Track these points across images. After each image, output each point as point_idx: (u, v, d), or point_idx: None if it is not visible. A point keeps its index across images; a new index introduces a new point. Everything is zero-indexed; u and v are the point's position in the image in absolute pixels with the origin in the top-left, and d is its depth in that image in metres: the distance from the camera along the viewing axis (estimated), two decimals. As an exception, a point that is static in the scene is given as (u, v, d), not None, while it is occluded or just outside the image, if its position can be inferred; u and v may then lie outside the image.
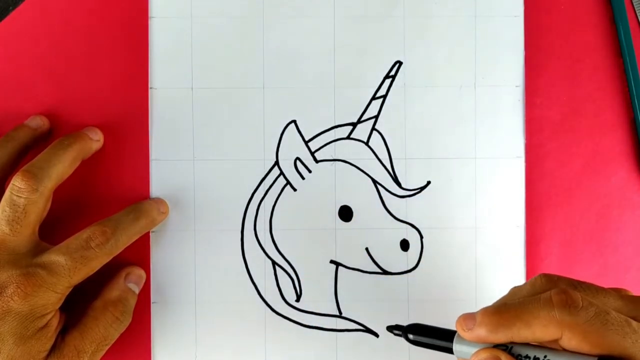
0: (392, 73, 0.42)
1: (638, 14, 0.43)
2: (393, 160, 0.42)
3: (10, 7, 0.42)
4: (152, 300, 0.42)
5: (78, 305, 0.38)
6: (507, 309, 0.29)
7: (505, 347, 0.30)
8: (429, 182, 0.43)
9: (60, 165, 0.38)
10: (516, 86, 0.43)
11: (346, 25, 0.42)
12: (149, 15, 0.42)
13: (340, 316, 0.42)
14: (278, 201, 0.42)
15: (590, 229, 0.43)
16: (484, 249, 0.43)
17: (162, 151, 0.42)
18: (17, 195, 0.36)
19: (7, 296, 0.34)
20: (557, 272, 0.42)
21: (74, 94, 0.42)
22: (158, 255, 0.42)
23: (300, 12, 0.42)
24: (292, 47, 0.42)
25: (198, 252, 0.42)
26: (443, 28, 0.43)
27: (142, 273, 0.41)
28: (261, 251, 0.42)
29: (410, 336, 0.34)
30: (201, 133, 0.42)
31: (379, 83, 0.42)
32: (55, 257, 0.35)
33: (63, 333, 0.37)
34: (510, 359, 0.29)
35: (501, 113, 0.43)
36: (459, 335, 0.32)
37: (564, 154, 0.43)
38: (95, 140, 0.41)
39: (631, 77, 0.43)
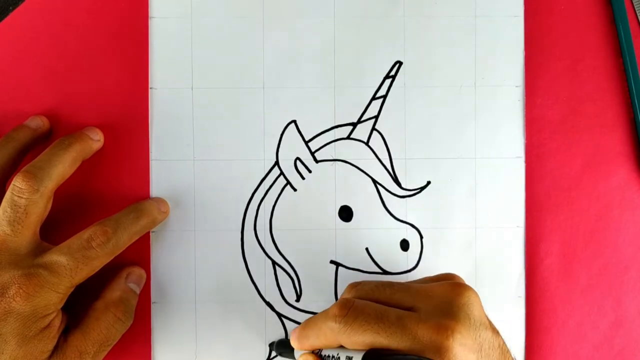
0: (392, 73, 0.42)
1: (638, 14, 0.43)
2: (393, 160, 0.42)
3: (11, 7, 0.42)
4: (152, 300, 0.42)
5: (80, 306, 0.38)
6: (307, 323, 0.35)
7: (319, 351, 0.35)
8: (429, 182, 0.43)
9: (61, 166, 0.38)
10: (516, 86, 0.43)
11: (346, 25, 0.42)
12: (149, 15, 0.42)
13: (340, 316, 0.42)
14: (278, 201, 0.42)
15: (590, 229, 0.43)
16: (484, 249, 0.43)
17: (162, 151, 0.42)
18: (18, 196, 0.36)
19: (9, 297, 0.34)
20: (557, 273, 0.43)
21: (74, 94, 0.42)
22: (158, 255, 0.42)
23: (300, 12, 0.42)
24: (292, 47, 0.42)
25: (198, 252, 0.42)
26: (443, 28, 0.43)
27: (143, 273, 0.41)
28: (261, 251, 0.42)
29: (273, 352, 0.42)
30: (201, 133, 0.42)
31: (379, 83, 0.42)
32: (57, 257, 0.35)
33: (65, 334, 0.37)
34: (314, 357, 0.34)
35: (501, 113, 0.43)
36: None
37: (564, 154, 0.43)
38: (96, 140, 0.41)
39: (631, 77, 0.43)
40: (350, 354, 0.32)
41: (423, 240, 0.43)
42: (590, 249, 0.43)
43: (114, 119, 0.42)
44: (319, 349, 0.35)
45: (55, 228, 0.41)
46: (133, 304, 0.40)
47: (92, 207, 0.42)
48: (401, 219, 0.42)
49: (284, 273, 0.42)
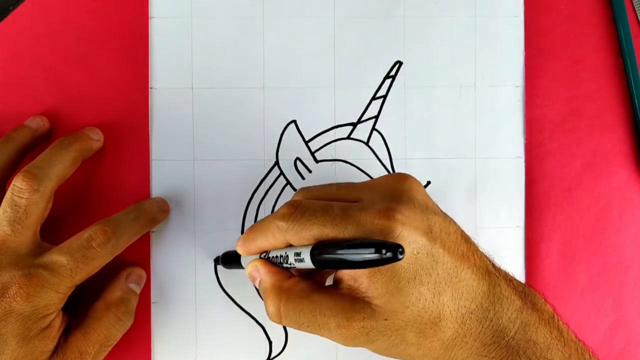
0: (392, 73, 0.42)
1: (638, 14, 0.43)
2: (393, 160, 0.42)
3: (11, 7, 0.42)
4: (152, 300, 0.42)
5: (80, 306, 0.38)
6: (254, 226, 0.36)
7: (265, 256, 0.36)
8: (429, 182, 0.43)
9: (61, 166, 0.38)
10: (516, 86, 0.43)
11: (346, 25, 0.42)
12: (149, 15, 0.42)
13: (340, 316, 0.42)
14: (278, 201, 0.42)
15: (590, 229, 0.43)
16: (484, 249, 0.42)
17: (162, 151, 0.42)
18: (18, 196, 0.36)
19: (9, 297, 0.34)
20: (557, 273, 0.43)
21: (74, 94, 0.42)
22: (158, 255, 0.42)
23: (300, 12, 0.42)
24: (292, 47, 0.42)
25: (198, 252, 0.42)
26: (443, 28, 0.43)
27: (143, 273, 0.41)
28: (261, 251, 0.42)
29: (219, 265, 0.42)
30: (201, 133, 0.42)
31: (379, 83, 0.42)
32: (57, 257, 0.35)
33: (66, 334, 0.37)
34: (263, 263, 0.35)
35: (501, 113, 0.43)
36: (243, 257, 0.38)
37: (564, 154, 0.43)
38: (96, 140, 0.41)
39: (631, 77, 0.43)
40: (298, 250, 0.33)
41: (423, 240, 0.42)
42: (590, 249, 0.43)
43: (114, 119, 0.42)
44: (266, 252, 0.36)
45: (56, 228, 0.41)
46: (133, 304, 0.40)
47: (92, 207, 0.42)
48: (401, 219, 0.42)
49: (284, 273, 0.42)
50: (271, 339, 0.42)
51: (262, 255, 0.36)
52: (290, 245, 0.34)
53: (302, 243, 0.33)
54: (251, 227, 0.36)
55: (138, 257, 0.42)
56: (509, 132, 0.43)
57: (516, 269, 0.43)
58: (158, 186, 0.42)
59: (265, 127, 0.42)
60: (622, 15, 0.43)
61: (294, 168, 0.42)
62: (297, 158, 0.42)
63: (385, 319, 0.31)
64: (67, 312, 0.37)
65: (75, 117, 0.42)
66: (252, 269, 0.36)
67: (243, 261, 0.38)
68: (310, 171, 0.42)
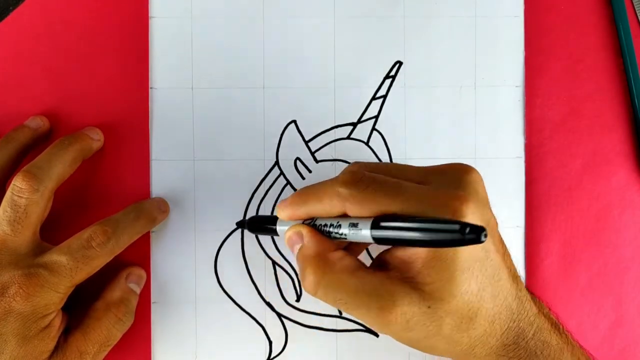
0: (392, 73, 0.42)
1: (638, 14, 0.43)
2: (393, 160, 0.42)
3: (11, 7, 0.42)
4: (152, 300, 0.42)
5: (80, 306, 0.38)
6: (307, 189, 0.34)
7: (310, 223, 0.34)
8: (429, 182, 0.43)
9: (61, 166, 0.38)
10: (516, 86, 0.43)
11: (346, 25, 0.42)
12: (149, 15, 0.42)
13: (340, 316, 0.42)
14: (278, 201, 0.42)
15: (590, 229, 0.43)
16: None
17: (162, 151, 0.42)
18: (18, 196, 0.36)
19: (9, 297, 0.34)
20: (557, 273, 0.43)
21: (74, 94, 0.42)
22: (158, 255, 0.42)
23: (300, 12, 0.42)
24: (292, 47, 0.42)
25: (198, 252, 0.42)
26: (443, 28, 0.43)
27: (143, 273, 0.41)
28: (261, 251, 0.42)
29: (247, 230, 0.39)
30: (201, 133, 0.42)
31: (379, 83, 0.42)
32: (57, 257, 0.35)
33: (65, 334, 0.37)
34: (309, 230, 0.33)
35: (501, 113, 0.43)
36: (279, 221, 0.36)
37: (564, 154, 0.43)
38: (96, 140, 0.41)
39: (631, 77, 0.43)
40: (355, 221, 0.31)
41: (423, 240, 0.42)
42: (590, 249, 0.43)
43: (114, 119, 0.42)
44: (312, 219, 0.34)
45: (56, 228, 0.41)
46: (133, 304, 0.40)
47: (92, 207, 0.42)
48: (401, 219, 0.42)
49: (284, 273, 0.42)
50: (271, 339, 0.42)
51: (306, 222, 0.34)
52: (343, 216, 0.32)
53: (362, 214, 0.31)
54: (302, 191, 0.34)
55: (138, 257, 0.42)
56: (509, 132, 0.43)
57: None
58: (158, 186, 0.42)
59: (265, 127, 0.42)
60: (622, 15, 0.43)
61: (294, 168, 0.42)
62: (297, 158, 0.42)
63: (429, 307, 0.31)
64: (67, 312, 0.37)
65: (75, 117, 0.42)
66: (295, 233, 0.34)
67: (280, 226, 0.36)
68: (310, 171, 0.42)
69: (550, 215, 0.43)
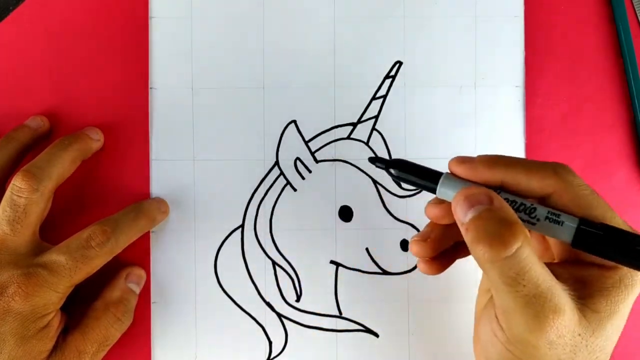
0: (392, 73, 0.42)
1: (638, 14, 0.43)
2: (393, 160, 0.42)
3: (11, 7, 0.42)
4: (152, 300, 0.42)
5: (79, 306, 0.38)
6: (510, 157, 0.30)
7: (499, 190, 0.30)
8: (429, 182, 0.42)
9: (61, 165, 0.38)
10: (516, 86, 0.43)
11: (346, 25, 0.42)
12: (149, 15, 0.42)
13: (340, 316, 0.42)
14: (278, 201, 0.42)
15: (590, 229, 0.43)
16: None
17: (162, 151, 0.42)
18: (17, 195, 0.36)
19: (8, 296, 0.34)
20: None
21: (74, 94, 0.42)
22: (158, 255, 0.42)
23: (300, 12, 0.42)
24: (292, 47, 0.42)
25: (198, 252, 0.42)
26: (443, 28, 0.43)
27: (143, 273, 0.41)
28: (261, 251, 0.42)
29: (393, 171, 0.32)
30: (201, 133, 0.42)
31: (379, 83, 0.42)
32: (56, 256, 0.35)
33: (64, 334, 0.37)
34: (502, 200, 0.29)
35: (501, 113, 0.43)
36: (447, 177, 0.31)
37: (564, 154, 0.43)
38: (96, 140, 0.41)
39: (631, 77, 0.43)
40: (556, 212, 0.28)
41: (423, 240, 0.42)
42: (591, 249, 0.43)
43: (114, 119, 0.42)
44: (499, 188, 0.30)
45: (55, 228, 0.41)
46: (132, 304, 0.40)
47: (92, 207, 0.42)
48: (401, 219, 0.42)
49: (284, 273, 0.42)
50: (271, 339, 0.42)
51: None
52: (539, 200, 0.30)
53: (569, 209, 0.29)
54: (501, 156, 0.30)
55: (138, 257, 0.42)
56: (509, 132, 0.43)
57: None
58: (158, 186, 0.42)
59: (265, 127, 0.42)
60: (622, 15, 0.43)
61: (294, 168, 0.42)
62: (297, 158, 0.42)
63: (579, 335, 0.28)
64: (66, 311, 0.37)
65: (75, 117, 0.42)
66: (483, 193, 0.29)
67: (448, 181, 0.31)
68: (310, 171, 0.42)
69: (550, 215, 0.43)
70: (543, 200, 0.30)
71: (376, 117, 0.42)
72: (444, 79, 0.43)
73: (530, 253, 0.27)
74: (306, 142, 0.42)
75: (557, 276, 0.28)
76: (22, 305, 0.34)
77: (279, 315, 0.42)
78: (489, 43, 0.43)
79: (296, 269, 0.42)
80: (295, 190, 0.42)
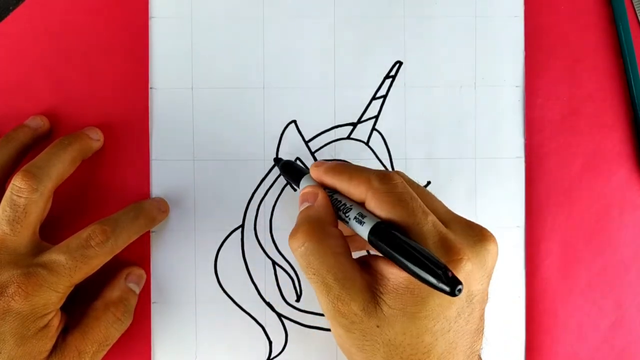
0: (392, 73, 0.42)
1: (638, 14, 0.43)
2: (393, 160, 0.42)
3: (11, 7, 0.42)
4: (152, 300, 0.42)
5: (79, 305, 0.38)
6: (346, 165, 0.35)
7: (330, 193, 0.35)
8: (429, 182, 0.43)
9: (61, 165, 0.38)
10: (516, 86, 0.43)
11: (346, 25, 0.42)
12: (149, 15, 0.42)
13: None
14: (278, 201, 0.42)
15: (590, 229, 0.43)
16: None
17: (162, 151, 0.42)
18: (17, 195, 0.36)
19: (8, 296, 0.34)
20: (557, 273, 0.43)
21: (74, 94, 0.42)
22: (158, 255, 0.42)
23: (300, 12, 0.42)
24: (292, 47, 0.42)
25: (198, 252, 0.42)
26: (443, 28, 0.43)
27: (143, 273, 0.41)
28: (261, 251, 0.42)
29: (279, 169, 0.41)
30: (201, 133, 0.42)
31: (379, 83, 0.42)
32: (56, 256, 0.35)
33: (64, 333, 0.37)
34: (325, 196, 0.35)
35: (501, 113, 0.43)
36: (306, 177, 0.37)
37: (564, 154, 0.43)
38: (96, 140, 0.41)
39: (631, 77, 0.43)
40: (364, 214, 0.32)
41: (423, 240, 0.42)
42: (590, 249, 0.43)
43: (114, 119, 0.42)
44: (333, 191, 0.35)
45: (55, 228, 0.41)
46: (132, 304, 0.40)
47: (92, 207, 0.42)
48: (401, 219, 0.42)
49: (284, 273, 0.42)
50: (271, 339, 0.42)
51: (327, 190, 0.35)
52: (360, 204, 0.33)
53: (376, 212, 0.32)
54: (342, 164, 0.35)
55: (138, 257, 0.42)
56: (509, 132, 0.43)
57: (516, 269, 0.43)
58: (158, 186, 0.42)
59: (265, 127, 0.42)
60: (622, 15, 0.43)
61: (294, 168, 0.42)
62: (297, 158, 0.42)
63: (377, 326, 0.31)
64: (65, 311, 0.37)
65: (75, 117, 0.42)
66: (311, 192, 0.35)
67: (305, 181, 0.37)
68: (310, 171, 0.42)
69: (550, 215, 0.43)
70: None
71: (376, 117, 0.42)
72: (444, 79, 0.43)
73: (315, 250, 0.32)
74: (306, 142, 0.42)
75: (370, 268, 0.32)
76: (22, 305, 0.34)
77: (279, 315, 0.42)
78: (489, 43, 0.43)
79: (296, 269, 0.42)
80: (295, 190, 0.42)
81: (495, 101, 0.43)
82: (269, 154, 0.42)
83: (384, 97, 0.42)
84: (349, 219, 0.33)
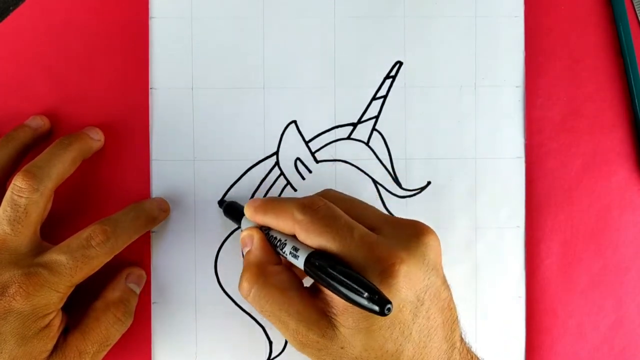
0: (393, 73, 0.42)
1: (638, 14, 0.43)
2: (393, 161, 0.42)
3: (11, 8, 0.42)
4: (152, 301, 0.42)
5: (79, 306, 0.38)
6: (272, 200, 0.36)
7: (266, 231, 0.36)
8: (429, 182, 0.43)
9: (61, 165, 0.38)
10: (516, 86, 0.43)
11: (346, 25, 0.42)
12: (149, 15, 0.42)
13: (340, 316, 0.42)
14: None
15: (590, 229, 0.43)
16: (484, 249, 0.43)
17: (162, 151, 0.42)
18: (18, 195, 0.36)
19: (9, 296, 0.34)
20: (557, 273, 0.43)
21: (74, 94, 0.42)
22: (158, 256, 0.42)
23: (300, 12, 0.42)
24: (292, 47, 0.42)
25: (198, 252, 0.42)
26: (443, 28, 0.43)
27: (143, 273, 0.41)
28: (261, 251, 0.42)
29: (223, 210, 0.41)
30: (201, 133, 0.42)
31: (379, 83, 0.42)
32: (57, 256, 0.35)
33: (65, 334, 0.37)
34: (260, 237, 0.35)
35: (501, 113, 0.43)
36: (245, 219, 0.38)
37: (564, 154, 0.43)
38: (96, 140, 0.41)
39: (631, 77, 0.43)
40: (298, 246, 0.33)
41: (423, 240, 0.42)
42: (591, 249, 0.43)
43: (114, 119, 0.42)
44: (268, 228, 0.36)
45: (56, 228, 0.41)
46: (133, 304, 0.40)
47: (92, 207, 0.42)
48: (401, 219, 0.42)
49: (284, 273, 0.42)
50: (271, 339, 0.42)
51: (263, 228, 0.36)
52: (294, 236, 0.34)
53: (306, 243, 0.33)
54: (269, 200, 0.36)
55: (138, 257, 0.42)
56: (509, 132, 0.43)
57: (516, 269, 0.43)
58: (158, 186, 0.42)
59: (265, 127, 0.42)
60: (622, 15, 0.43)
61: (294, 168, 0.42)
62: (298, 158, 0.42)
63: (342, 348, 0.32)
64: (66, 311, 0.37)
65: (75, 117, 0.42)
66: (248, 235, 0.36)
67: (244, 222, 0.38)
68: (310, 171, 0.42)
69: (550, 215, 0.43)
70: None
71: (376, 117, 0.42)
72: (444, 79, 0.43)
73: (263, 293, 0.33)
74: (306, 142, 0.42)
75: (321, 293, 0.33)
76: (23, 305, 0.34)
77: (279, 315, 0.42)
78: (489, 43, 0.43)
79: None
80: (295, 190, 0.42)
81: (495, 101, 0.43)
82: (269, 154, 0.42)
83: (384, 97, 0.42)
84: (285, 254, 0.34)
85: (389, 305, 0.28)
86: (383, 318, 0.31)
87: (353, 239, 0.32)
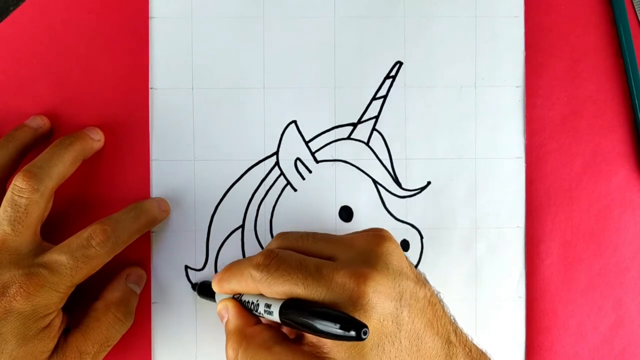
0: (393, 73, 0.42)
1: (638, 14, 0.43)
2: (393, 161, 0.43)
3: (11, 7, 0.42)
4: (152, 301, 0.42)
5: (80, 306, 0.38)
6: (230, 267, 0.36)
7: (239, 297, 0.36)
8: (429, 183, 0.43)
9: (61, 165, 0.38)
10: (516, 86, 0.43)
11: (346, 25, 0.42)
12: (149, 15, 0.42)
13: (340, 316, 0.42)
14: (278, 201, 0.42)
15: (590, 229, 0.43)
16: (484, 249, 0.43)
17: (162, 151, 0.42)
18: (18, 195, 0.36)
19: (9, 296, 0.34)
20: (557, 273, 0.43)
21: (74, 94, 0.42)
22: (158, 255, 0.42)
23: (300, 12, 0.42)
24: (292, 47, 0.42)
25: (198, 252, 0.42)
26: (443, 28, 0.43)
27: (143, 273, 0.41)
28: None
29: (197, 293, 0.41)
30: (201, 133, 0.42)
31: (379, 83, 0.42)
32: (57, 256, 0.35)
33: (65, 334, 0.37)
34: (234, 305, 0.36)
35: (501, 113, 0.43)
36: (218, 294, 0.38)
37: (564, 154, 0.43)
38: (96, 140, 0.41)
39: (631, 77, 0.43)
40: (269, 302, 0.33)
41: (423, 240, 0.43)
42: (591, 249, 0.43)
43: (114, 119, 0.42)
44: (239, 295, 0.36)
45: (56, 228, 0.41)
46: (133, 305, 0.40)
47: (92, 207, 0.42)
48: (401, 219, 0.42)
49: (284, 273, 0.42)
50: (271, 339, 0.42)
51: (235, 296, 0.37)
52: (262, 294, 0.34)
53: (274, 296, 0.33)
54: (226, 268, 0.37)
55: (138, 257, 0.42)
56: (509, 132, 0.43)
57: (516, 269, 0.43)
58: (158, 186, 0.42)
59: (265, 127, 0.42)
60: (622, 15, 0.43)
61: (294, 168, 0.42)
62: (298, 158, 0.42)
63: None
64: (67, 312, 0.37)
65: (75, 117, 0.42)
66: (222, 307, 0.37)
67: (217, 297, 0.38)
68: (310, 171, 0.42)
69: (550, 215, 0.43)
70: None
71: (376, 118, 0.42)
72: (444, 79, 0.43)
73: (249, 355, 0.33)
74: (306, 143, 0.42)
75: (305, 339, 0.33)
76: (23, 305, 0.34)
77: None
78: (489, 43, 0.43)
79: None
80: (295, 190, 0.42)
81: (495, 101, 0.43)
82: (269, 154, 0.42)
83: (384, 97, 0.42)
84: (261, 314, 0.34)
85: (364, 329, 0.29)
86: (370, 337, 0.31)
87: (313, 277, 0.32)
